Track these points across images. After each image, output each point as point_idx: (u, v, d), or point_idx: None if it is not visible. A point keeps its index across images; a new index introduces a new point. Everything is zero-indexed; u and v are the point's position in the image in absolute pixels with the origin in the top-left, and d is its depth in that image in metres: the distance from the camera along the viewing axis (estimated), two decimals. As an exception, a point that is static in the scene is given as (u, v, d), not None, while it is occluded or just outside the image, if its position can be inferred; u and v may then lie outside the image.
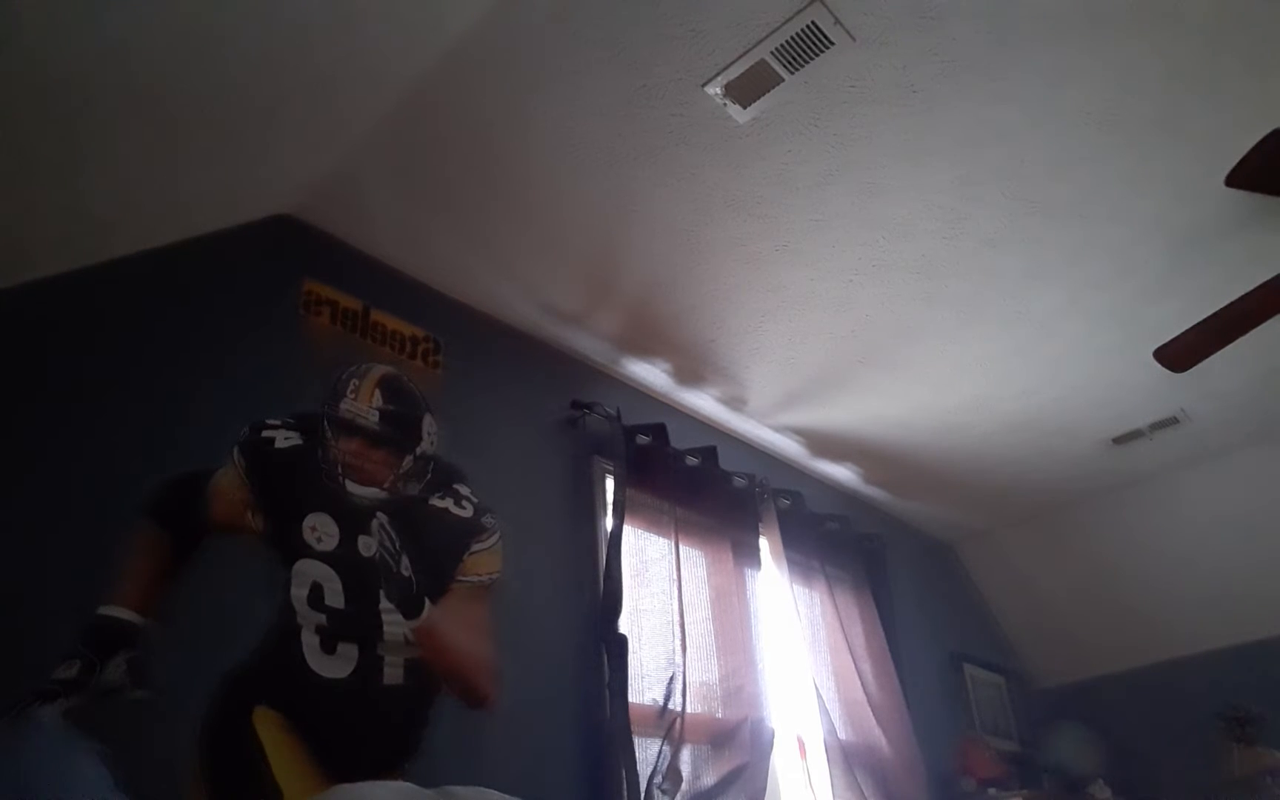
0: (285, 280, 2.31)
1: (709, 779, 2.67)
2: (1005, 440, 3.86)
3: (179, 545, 1.86)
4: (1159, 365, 2.90)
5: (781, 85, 2.11)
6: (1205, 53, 2.11)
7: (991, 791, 3.75)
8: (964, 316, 3.03)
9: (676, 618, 2.80)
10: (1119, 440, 3.90)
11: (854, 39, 2.01)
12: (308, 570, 1.94)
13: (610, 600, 2.61)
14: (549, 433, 2.87)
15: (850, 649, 3.47)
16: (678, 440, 3.13)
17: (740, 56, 2.04)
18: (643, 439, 3.01)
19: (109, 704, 1.63)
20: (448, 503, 2.17)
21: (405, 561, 1.90)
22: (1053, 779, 4.31)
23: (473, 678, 2.13)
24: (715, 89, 2.11)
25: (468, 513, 2.19)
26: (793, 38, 1.99)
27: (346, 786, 1.65)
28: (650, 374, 3.24)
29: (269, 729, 1.82)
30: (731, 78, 2.08)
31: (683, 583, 2.88)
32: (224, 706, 1.79)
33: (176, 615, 1.78)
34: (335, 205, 2.37)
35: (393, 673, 1.99)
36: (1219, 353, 2.77)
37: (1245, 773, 3.94)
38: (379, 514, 1.90)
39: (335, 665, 1.92)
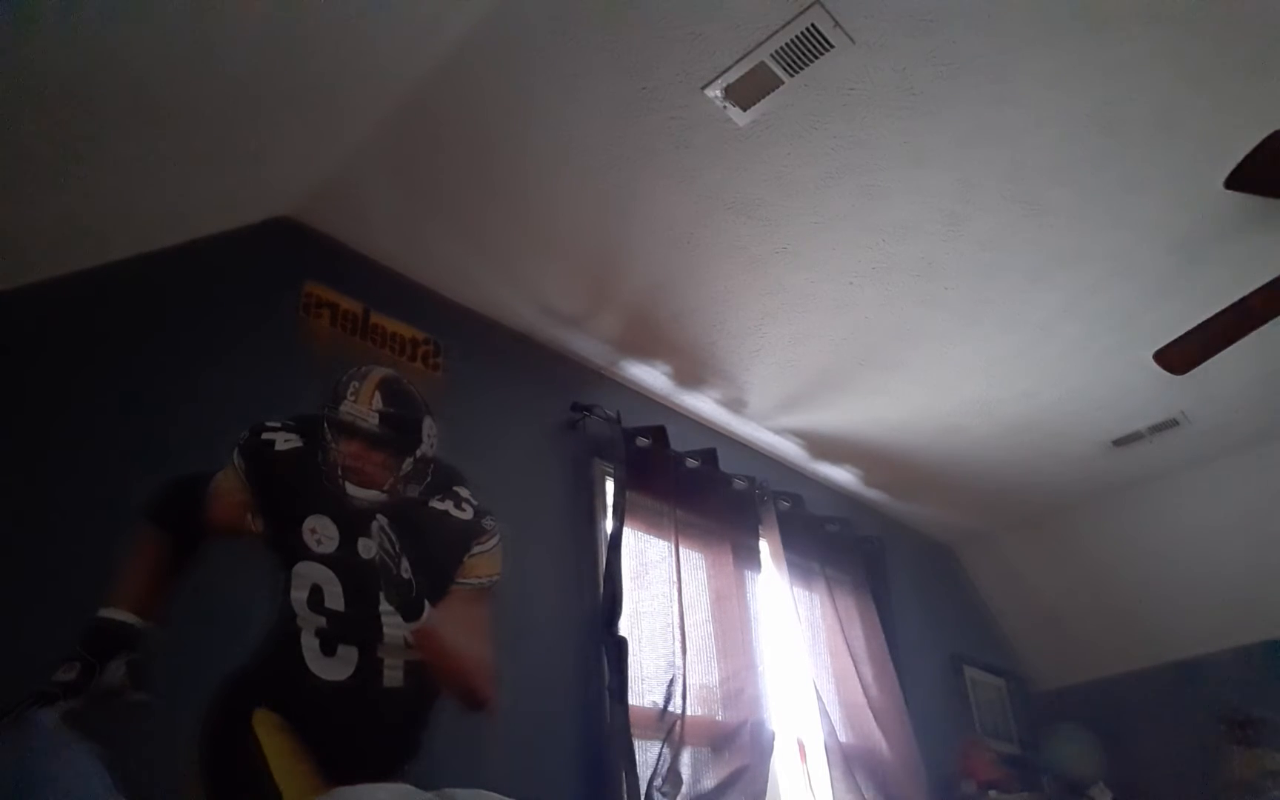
0: (285, 283, 2.31)
1: (709, 782, 2.67)
2: (1005, 442, 3.85)
3: (179, 547, 1.86)
4: (1159, 367, 2.91)
5: (781, 88, 2.11)
6: (1205, 55, 2.12)
7: (992, 794, 3.75)
8: (964, 319, 3.04)
9: (676, 620, 2.79)
10: (1119, 443, 3.90)
11: (854, 42, 2.01)
12: (308, 572, 1.94)
13: (610, 603, 2.61)
14: (549, 435, 2.87)
15: (850, 651, 3.47)
16: (678, 442, 3.13)
17: (740, 59, 2.04)
18: (643, 441, 3.01)
19: (108, 706, 1.63)
20: (448, 505, 2.17)
21: (405, 564, 1.90)
22: (1053, 781, 4.31)
23: (472, 680, 2.13)
24: (715, 91, 2.11)
25: (468, 515, 2.19)
26: (792, 40, 1.99)
27: (346, 789, 1.65)
28: (650, 376, 3.24)
29: (269, 731, 1.82)
30: (731, 80, 2.08)
31: (683, 585, 2.87)
32: (224, 709, 1.79)
33: (176, 617, 1.78)
34: (335, 207, 2.37)
35: (392, 675, 1.99)
36: (1219, 355, 2.78)
37: (1246, 775, 3.94)
38: (379, 516, 1.90)
39: (335, 667, 1.92)
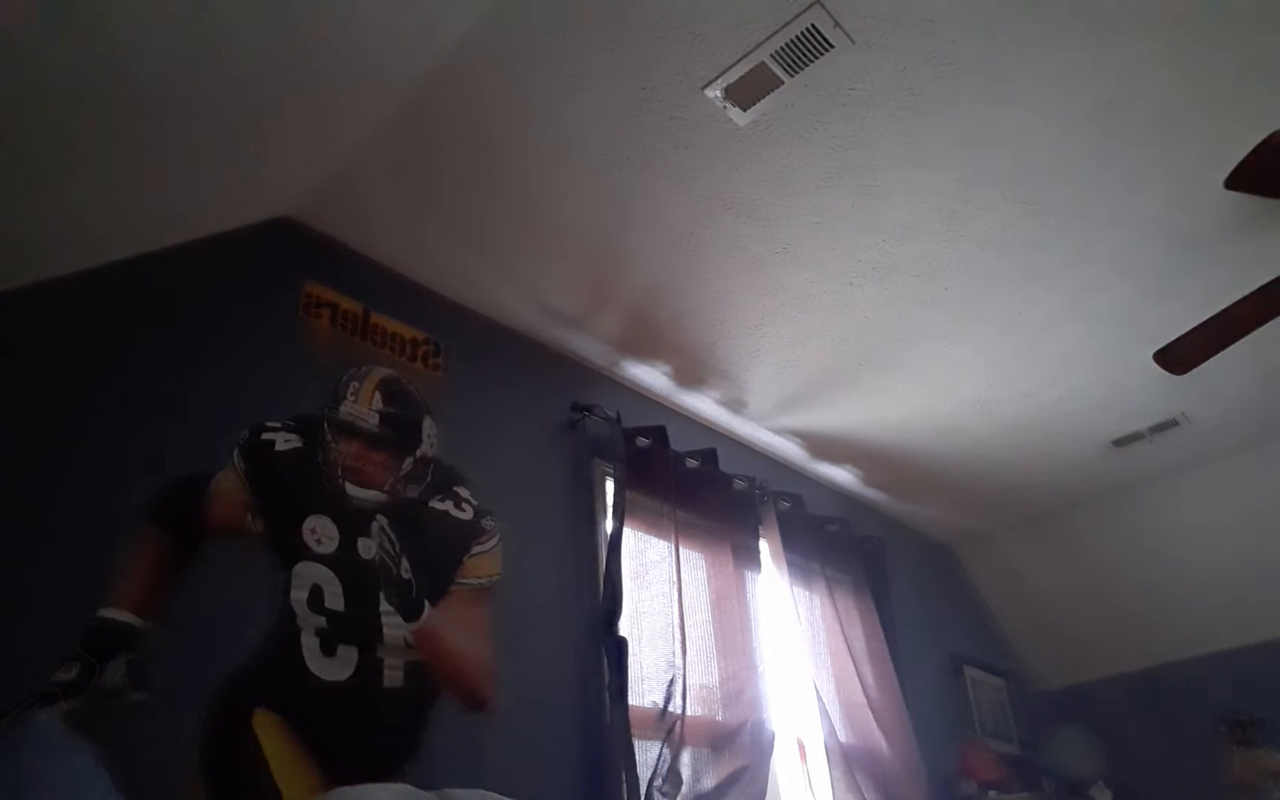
0: (285, 282, 2.31)
1: (709, 782, 2.67)
2: (1005, 442, 3.86)
3: (179, 547, 1.86)
4: (1159, 367, 2.90)
5: (781, 88, 2.11)
6: (1205, 55, 2.12)
7: (992, 794, 3.75)
8: (964, 319, 3.04)
9: (677, 620, 2.79)
10: (1119, 443, 3.90)
11: (853, 42, 2.01)
12: (307, 572, 1.94)
13: (610, 603, 2.61)
14: (549, 435, 2.87)
15: (850, 651, 3.47)
16: (678, 443, 3.13)
17: (740, 59, 2.04)
18: (643, 441, 3.01)
19: (108, 707, 1.63)
20: (448, 505, 2.16)
21: (405, 564, 1.90)
22: (1053, 782, 4.31)
23: (472, 680, 2.13)
24: (715, 91, 2.11)
25: (468, 515, 2.19)
26: (792, 40, 1.99)
27: (346, 789, 1.64)
28: (650, 376, 3.24)
29: (269, 732, 1.81)
30: (731, 80, 2.08)
31: (683, 585, 2.87)
32: (224, 709, 1.79)
33: (176, 618, 1.78)
34: (335, 207, 2.37)
35: (393, 675, 1.99)
36: (1219, 355, 2.77)
37: (1246, 776, 3.94)
38: (379, 516, 1.89)
39: (335, 668, 1.92)
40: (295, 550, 1.94)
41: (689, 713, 2.67)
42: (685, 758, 2.60)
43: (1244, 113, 2.24)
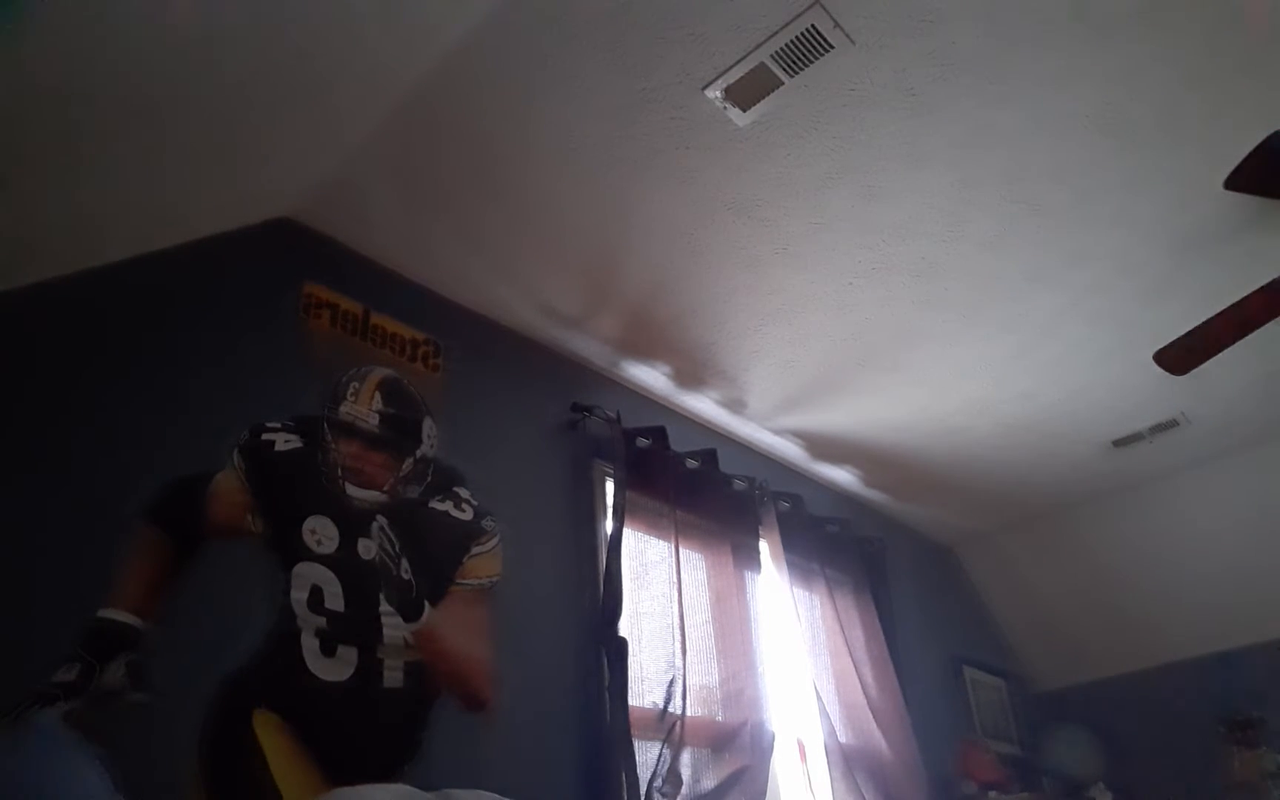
0: (285, 283, 2.31)
1: (709, 782, 2.67)
2: (1005, 443, 3.86)
3: (179, 548, 1.86)
4: (1159, 368, 2.91)
5: (781, 88, 2.11)
6: (1205, 55, 2.12)
7: (992, 795, 3.75)
8: (964, 319, 3.04)
9: (676, 621, 2.79)
10: (1119, 443, 3.90)
11: (853, 42, 2.01)
12: (307, 573, 1.94)
13: (610, 603, 2.61)
14: (549, 435, 2.87)
15: (850, 652, 3.47)
16: (678, 443, 3.13)
17: (740, 60, 2.04)
18: (643, 442, 3.01)
19: (108, 707, 1.63)
20: (447, 506, 2.17)
21: (405, 564, 1.91)
22: (1053, 782, 4.31)
23: (472, 681, 2.13)
24: (715, 92, 2.11)
25: (467, 516, 2.19)
26: (792, 41, 1.99)
27: (346, 789, 1.65)
28: (650, 377, 3.24)
29: (269, 732, 1.82)
30: (732, 81, 2.08)
31: (683, 586, 2.87)
32: (224, 710, 1.79)
33: (176, 618, 1.78)
34: (335, 208, 2.37)
35: (392, 676, 1.99)
36: (1219, 356, 2.78)
37: (1246, 777, 3.94)
38: (379, 517, 1.90)
39: (335, 668, 1.92)
40: (295, 551, 1.94)
41: (689, 713, 2.67)
42: (685, 758, 2.60)
43: (1244, 113, 2.25)
